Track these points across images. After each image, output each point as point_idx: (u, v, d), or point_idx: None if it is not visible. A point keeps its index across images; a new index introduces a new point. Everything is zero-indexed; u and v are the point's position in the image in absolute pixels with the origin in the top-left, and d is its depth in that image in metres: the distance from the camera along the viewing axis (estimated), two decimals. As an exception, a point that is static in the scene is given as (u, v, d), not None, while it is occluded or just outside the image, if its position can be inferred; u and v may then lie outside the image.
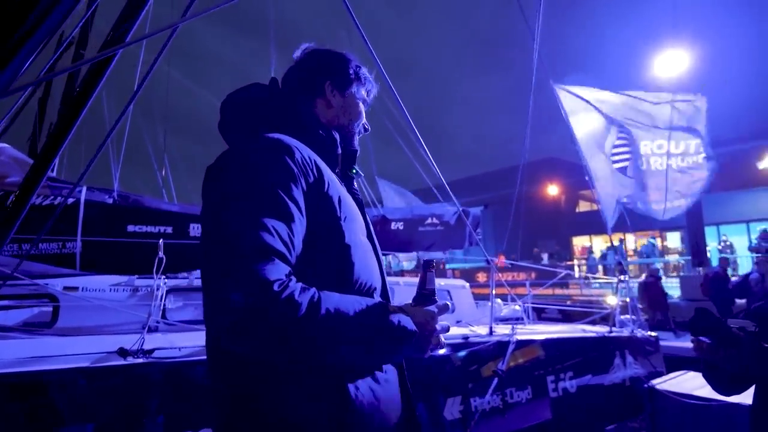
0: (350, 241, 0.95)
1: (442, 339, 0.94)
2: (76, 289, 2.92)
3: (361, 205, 1.11)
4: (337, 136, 1.13)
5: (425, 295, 0.97)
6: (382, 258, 1.13)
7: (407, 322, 0.88)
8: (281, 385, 0.85)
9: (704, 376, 1.56)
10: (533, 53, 4.54)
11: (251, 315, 0.74)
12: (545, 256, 20.23)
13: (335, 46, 1.29)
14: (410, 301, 0.98)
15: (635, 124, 6.16)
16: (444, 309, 0.96)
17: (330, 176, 0.98)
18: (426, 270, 0.99)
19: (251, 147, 0.92)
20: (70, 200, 3.82)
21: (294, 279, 0.81)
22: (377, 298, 1.02)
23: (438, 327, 0.93)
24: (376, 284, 1.03)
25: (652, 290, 8.38)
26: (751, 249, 12.48)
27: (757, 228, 12.82)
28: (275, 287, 0.75)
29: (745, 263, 14.58)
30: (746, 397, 1.59)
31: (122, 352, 2.19)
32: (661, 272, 12.02)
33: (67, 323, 2.78)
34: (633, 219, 6.20)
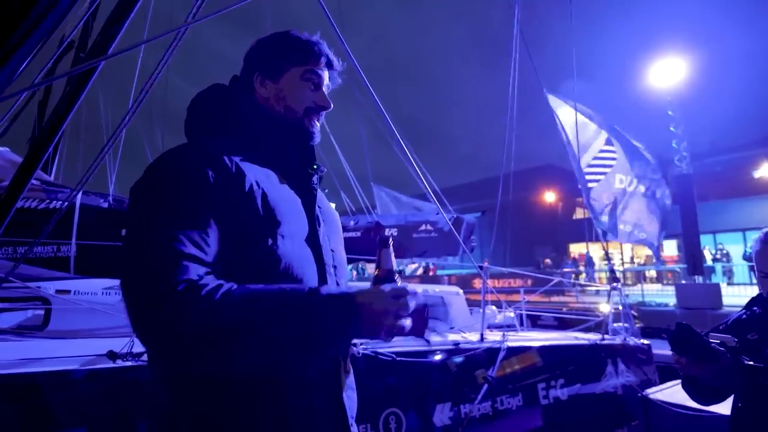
0: (277, 245, 0.90)
1: (404, 322, 0.84)
2: (68, 292, 2.93)
3: (312, 205, 1.02)
4: (281, 129, 1.05)
5: (381, 276, 0.88)
6: (328, 261, 1.02)
7: (345, 301, 0.82)
8: (211, 402, 0.84)
9: (683, 386, 1.58)
10: (523, 62, 4.59)
11: (162, 322, 0.74)
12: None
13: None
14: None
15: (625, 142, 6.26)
16: (400, 292, 0.84)
17: (258, 177, 0.93)
18: (381, 248, 0.90)
19: (164, 159, 0.91)
20: (65, 204, 3.83)
21: (210, 278, 0.79)
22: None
23: (392, 308, 0.82)
24: (311, 283, 0.95)
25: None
26: (746, 258, 12.51)
27: (753, 237, 12.85)
28: (180, 287, 0.74)
29: (741, 272, 14.62)
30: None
31: (111, 355, 2.20)
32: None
33: (58, 326, 2.78)
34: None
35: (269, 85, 1.07)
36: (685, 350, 1.37)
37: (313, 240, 0.99)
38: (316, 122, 1.10)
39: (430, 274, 22.04)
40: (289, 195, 0.99)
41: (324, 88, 1.11)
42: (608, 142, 6.09)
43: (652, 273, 18.03)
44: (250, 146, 0.99)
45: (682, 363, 1.40)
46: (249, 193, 0.89)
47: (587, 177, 6.02)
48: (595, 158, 6.08)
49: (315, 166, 1.07)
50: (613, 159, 6.12)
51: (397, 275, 0.90)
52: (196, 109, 1.07)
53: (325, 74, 1.11)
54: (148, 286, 0.76)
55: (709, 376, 1.36)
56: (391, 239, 0.92)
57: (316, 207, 1.04)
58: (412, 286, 0.87)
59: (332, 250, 1.06)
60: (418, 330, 0.88)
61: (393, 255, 0.91)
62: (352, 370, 1.04)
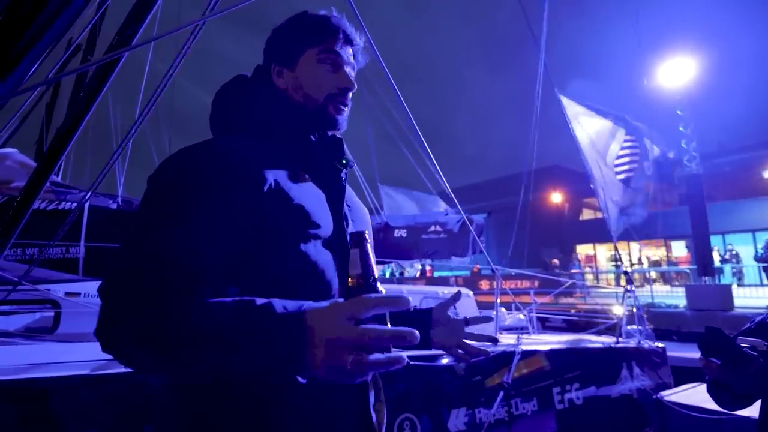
0: (300, 248, 0.82)
1: (373, 357, 0.58)
2: (78, 294, 2.91)
3: (340, 204, 0.93)
4: (302, 121, 0.95)
5: (352, 286, 0.65)
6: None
7: (291, 324, 0.62)
8: (212, 408, 0.79)
9: (709, 391, 1.53)
10: (538, 61, 4.55)
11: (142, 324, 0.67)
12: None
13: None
14: None
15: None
16: (360, 306, 0.60)
17: (279, 176, 0.84)
18: (351, 247, 0.67)
19: (174, 158, 0.84)
20: (74, 205, 3.83)
21: (200, 285, 0.70)
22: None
23: (353, 335, 0.58)
24: (334, 292, 0.86)
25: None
26: (756, 259, 12.38)
27: (763, 237, 12.71)
28: (166, 291, 0.68)
29: (751, 273, 14.47)
30: (756, 411, 1.56)
31: (123, 360, 2.16)
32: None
33: (68, 329, 2.76)
34: (637, 228, 6.15)
35: (286, 74, 0.98)
36: (715, 354, 1.33)
37: (340, 242, 0.90)
38: (342, 107, 0.98)
39: (427, 275, 22.01)
40: (315, 193, 0.90)
41: (347, 68, 0.99)
42: (630, 132, 6.02)
43: (652, 275, 17.86)
44: (271, 142, 0.92)
45: (711, 367, 1.36)
46: (268, 193, 0.81)
47: (617, 169, 5.90)
48: (623, 148, 6.00)
49: (344, 161, 0.96)
50: (636, 147, 6.02)
51: (378, 283, 0.66)
52: (217, 104, 1.01)
53: (346, 51, 0.99)
54: (133, 287, 0.69)
55: (739, 380, 1.32)
56: (366, 233, 0.68)
57: (345, 205, 0.95)
58: (390, 293, 0.64)
59: None
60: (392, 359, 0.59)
61: (368, 254, 0.67)
62: (381, 384, 0.93)
